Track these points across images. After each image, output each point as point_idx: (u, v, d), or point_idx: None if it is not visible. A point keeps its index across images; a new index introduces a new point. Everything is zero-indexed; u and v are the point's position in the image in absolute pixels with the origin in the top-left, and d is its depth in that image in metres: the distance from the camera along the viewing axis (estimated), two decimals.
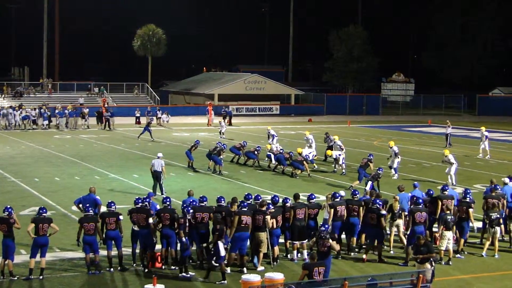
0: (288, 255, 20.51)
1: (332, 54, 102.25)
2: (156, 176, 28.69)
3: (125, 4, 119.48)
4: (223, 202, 20.04)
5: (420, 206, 20.74)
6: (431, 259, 17.36)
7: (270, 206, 19.88)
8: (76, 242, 19.09)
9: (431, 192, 22.50)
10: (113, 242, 19.09)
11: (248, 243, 19.84)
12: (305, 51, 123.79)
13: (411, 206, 20.89)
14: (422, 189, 23.95)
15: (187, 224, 18.94)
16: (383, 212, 20.78)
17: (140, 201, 19.71)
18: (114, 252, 19.12)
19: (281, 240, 20.53)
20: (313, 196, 20.99)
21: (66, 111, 60.37)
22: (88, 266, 18.76)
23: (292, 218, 20.23)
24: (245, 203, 19.66)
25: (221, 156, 35.71)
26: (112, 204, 19.49)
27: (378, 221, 20.43)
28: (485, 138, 43.65)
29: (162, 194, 27.65)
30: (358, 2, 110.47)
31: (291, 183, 32.78)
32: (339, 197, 21.17)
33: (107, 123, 59.66)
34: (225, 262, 18.74)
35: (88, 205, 19.81)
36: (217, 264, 18.08)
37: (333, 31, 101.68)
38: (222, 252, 18.20)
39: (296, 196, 20.83)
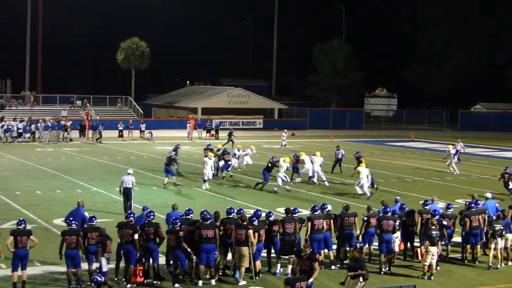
0: (271, 270, 20.47)
1: (315, 69, 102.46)
2: (126, 193, 27.87)
3: (109, 17, 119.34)
4: (191, 215, 20.12)
5: (388, 214, 21.11)
6: (361, 276, 17.10)
7: (254, 219, 19.86)
8: (58, 255, 18.92)
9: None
10: (94, 256, 18.98)
11: (230, 256, 19.84)
12: (289, 65, 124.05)
13: (380, 215, 21.22)
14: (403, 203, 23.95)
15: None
16: (444, 222, 21.44)
17: (132, 215, 19.76)
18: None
19: (264, 254, 20.47)
20: (297, 211, 20.97)
21: (48, 124, 60.23)
22: (70, 280, 18.61)
23: (281, 233, 20.23)
24: (209, 216, 19.64)
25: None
26: (94, 219, 19.42)
27: (440, 230, 20.94)
28: (452, 155, 43.91)
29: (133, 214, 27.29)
30: (342, 17, 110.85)
31: (275, 197, 32.74)
32: (319, 211, 21.19)
33: (99, 136, 59.72)
34: (198, 275, 18.98)
35: (71, 218, 19.60)
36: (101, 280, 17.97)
37: (317, 45, 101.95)
38: (104, 268, 18.15)
39: (287, 211, 20.82)
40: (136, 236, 18.98)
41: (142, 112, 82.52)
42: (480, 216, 22.28)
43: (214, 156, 37.57)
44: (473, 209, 22.42)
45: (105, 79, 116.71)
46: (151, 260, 19.29)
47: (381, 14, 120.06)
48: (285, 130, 59.43)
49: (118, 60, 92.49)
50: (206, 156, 36.45)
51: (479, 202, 23.44)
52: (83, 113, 72.89)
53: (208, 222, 19.38)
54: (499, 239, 21.49)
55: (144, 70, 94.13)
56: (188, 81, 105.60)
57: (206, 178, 34.62)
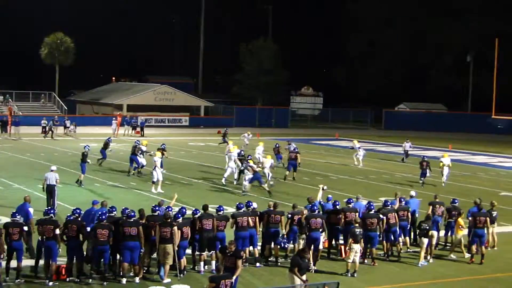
0: (196, 267, 20.41)
1: (242, 67, 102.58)
2: (50, 190, 27.45)
3: (33, 11, 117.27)
4: (114, 212, 20.05)
5: (315, 212, 21.34)
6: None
7: (179, 216, 19.78)
8: None
9: (337, 203, 22.96)
10: (15, 253, 18.69)
11: (155, 255, 19.73)
12: (216, 63, 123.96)
13: (308, 213, 21.41)
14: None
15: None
16: (381, 216, 22.02)
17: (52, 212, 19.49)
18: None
19: (189, 251, 20.40)
20: (221, 208, 20.95)
21: None
22: None
23: (200, 229, 20.21)
24: (133, 214, 19.50)
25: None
26: (16, 215, 19.06)
27: (378, 225, 21.75)
28: (358, 149, 46.00)
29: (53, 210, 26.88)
30: (269, 16, 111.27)
31: (200, 194, 32.64)
32: (243, 208, 21.24)
33: (51, 132, 59.89)
34: (121, 273, 19.03)
35: (16, 212, 19.41)
36: None
37: (244, 44, 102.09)
38: None
39: (205, 207, 20.79)
40: (57, 231, 18.74)
41: (66, 108, 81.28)
42: (395, 214, 22.63)
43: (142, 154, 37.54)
44: (389, 207, 22.79)
45: (28, 74, 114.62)
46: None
47: (308, 14, 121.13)
48: (248, 132, 57.97)
49: (42, 55, 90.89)
50: (155, 155, 34.60)
51: (402, 200, 23.75)
52: (6, 108, 71.41)
53: (132, 220, 19.23)
54: (423, 238, 21.88)
55: (68, 65, 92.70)
56: (113, 77, 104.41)
57: (155, 179, 33.05)
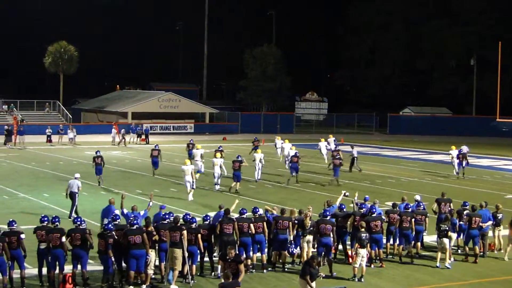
0: (213, 273, 20.44)
1: (246, 73, 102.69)
2: (72, 197, 27.84)
3: (37, 20, 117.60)
4: (118, 220, 20.08)
5: (327, 218, 21.21)
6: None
7: (194, 221, 20.03)
8: None
9: (343, 206, 22.97)
10: (15, 261, 18.64)
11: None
12: (220, 70, 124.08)
13: (318, 219, 21.34)
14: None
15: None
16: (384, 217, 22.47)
17: (46, 219, 19.39)
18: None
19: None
20: (257, 210, 21.18)
21: None
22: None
23: (219, 233, 20.42)
24: (135, 222, 19.41)
25: None
26: (14, 223, 19.00)
27: (382, 227, 21.81)
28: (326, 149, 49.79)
29: (76, 215, 27.05)
30: (272, 22, 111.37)
31: (206, 201, 32.59)
32: (245, 213, 21.24)
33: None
34: (128, 281, 18.93)
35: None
36: None
37: (247, 50, 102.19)
38: None
39: (227, 211, 20.84)
40: (63, 239, 18.70)
41: (71, 116, 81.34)
42: (411, 218, 22.62)
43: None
44: (409, 210, 22.89)
45: (33, 83, 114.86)
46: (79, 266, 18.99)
47: (311, 20, 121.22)
48: (278, 137, 57.26)
49: (46, 64, 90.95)
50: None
51: (421, 204, 23.78)
52: (10, 117, 71.46)
53: (135, 228, 19.14)
54: (444, 239, 21.92)
55: (72, 74, 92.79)
56: (118, 85, 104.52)
57: (189, 188, 32.70)
